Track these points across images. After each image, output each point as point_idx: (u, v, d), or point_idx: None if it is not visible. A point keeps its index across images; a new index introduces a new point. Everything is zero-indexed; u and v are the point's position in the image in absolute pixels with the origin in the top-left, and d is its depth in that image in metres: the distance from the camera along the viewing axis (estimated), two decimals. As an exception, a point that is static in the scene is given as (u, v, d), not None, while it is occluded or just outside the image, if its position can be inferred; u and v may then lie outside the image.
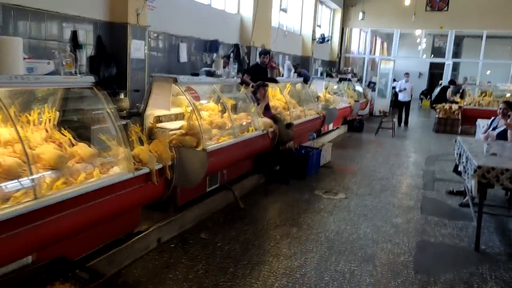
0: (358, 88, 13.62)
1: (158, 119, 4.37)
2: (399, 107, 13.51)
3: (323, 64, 15.59)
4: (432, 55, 24.06)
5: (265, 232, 4.38)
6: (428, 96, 22.11)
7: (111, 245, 3.37)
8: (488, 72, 18.70)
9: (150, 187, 3.23)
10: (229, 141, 4.50)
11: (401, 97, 13.42)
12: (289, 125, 6.36)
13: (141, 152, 3.16)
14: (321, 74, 9.95)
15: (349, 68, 15.44)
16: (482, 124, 7.49)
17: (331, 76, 10.53)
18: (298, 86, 7.90)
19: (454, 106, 12.64)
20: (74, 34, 5.14)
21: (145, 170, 3.14)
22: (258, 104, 6.00)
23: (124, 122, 3.41)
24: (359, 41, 20.22)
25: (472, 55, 21.81)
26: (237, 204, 4.98)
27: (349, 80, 12.68)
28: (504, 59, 21.75)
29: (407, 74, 13.71)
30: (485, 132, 5.84)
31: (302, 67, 13.21)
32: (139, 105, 4.30)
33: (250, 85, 6.23)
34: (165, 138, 3.73)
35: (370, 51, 22.66)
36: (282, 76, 7.82)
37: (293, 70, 7.09)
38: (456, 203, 5.68)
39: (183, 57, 7.18)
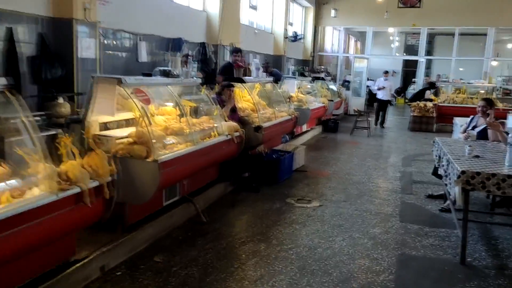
0: (332, 87, 13.31)
1: (105, 126, 3.82)
2: (379, 105, 12.93)
3: (296, 63, 15.22)
4: (405, 54, 24.08)
5: (229, 250, 3.89)
6: (402, 94, 22.09)
7: (43, 278, 2.83)
8: (461, 69, 18.75)
9: (83, 209, 2.70)
10: (187, 149, 3.98)
11: (380, 95, 12.76)
12: (258, 128, 5.89)
13: (70, 168, 2.63)
14: (293, 73, 9.53)
15: (323, 67, 15.13)
16: (460, 122, 7.21)
17: (304, 75, 10.13)
18: (268, 86, 7.44)
19: (429, 104, 12.46)
20: (10, 31, 4.52)
21: (75, 189, 2.61)
22: (224, 106, 5.52)
23: (53, 131, 2.86)
24: (332, 40, 19.97)
25: (444, 53, 21.91)
26: (200, 218, 4.47)
27: (323, 79, 12.33)
28: (476, 56, 21.98)
29: (386, 72, 13.13)
30: (464, 131, 5.51)
31: (275, 66, 12.79)
32: (80, 111, 3.74)
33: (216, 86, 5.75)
34: (105, 149, 3.19)
35: (344, 50, 22.49)
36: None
37: (261, 69, 6.63)
38: (436, 207, 5.33)
39: (143, 57, 6.61)
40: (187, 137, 4.15)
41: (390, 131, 12.31)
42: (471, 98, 12.69)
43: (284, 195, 5.65)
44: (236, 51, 7.26)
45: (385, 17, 14.72)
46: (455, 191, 3.64)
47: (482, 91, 13.04)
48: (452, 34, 24.99)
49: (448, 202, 5.14)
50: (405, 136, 11.41)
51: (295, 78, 9.26)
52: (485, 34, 25.20)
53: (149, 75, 4.12)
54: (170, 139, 3.98)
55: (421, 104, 12.52)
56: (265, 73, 6.88)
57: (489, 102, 5.33)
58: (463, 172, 3.58)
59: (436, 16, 15.26)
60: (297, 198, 5.55)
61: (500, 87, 13.96)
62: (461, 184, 3.57)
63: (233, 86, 5.68)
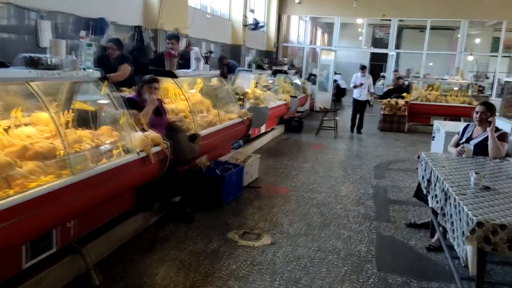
0: (297, 81, 12.03)
1: None
2: (355, 107, 10.62)
3: (258, 55, 13.85)
4: (372, 47, 23.20)
5: None
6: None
7: None
8: (431, 64, 17.94)
9: None
10: (55, 183, 2.54)
11: (357, 94, 10.52)
12: (194, 137, 4.49)
13: None
14: (249, 65, 8.16)
15: (286, 59, 13.83)
16: (441, 127, 6.05)
17: (262, 68, 8.76)
18: (214, 81, 6.03)
19: (401, 102, 11.40)
20: None
21: None
22: (141, 109, 4.08)
23: None
24: (298, 30, 18.73)
25: (411, 47, 21.16)
26: (90, 279, 3.04)
27: (286, 72, 11.01)
28: (444, 51, 21.35)
29: (363, 67, 10.72)
30: (457, 144, 4.31)
31: (233, 57, 11.38)
32: None
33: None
34: None
35: (311, 42, 21.32)
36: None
37: (202, 61, 5.21)
38: (421, 243, 4.11)
39: (46, 41, 5.04)
40: (62, 161, 2.70)
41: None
42: (445, 95, 11.74)
43: (227, 225, 4.30)
44: (170, 37, 5.85)
45: (354, 5, 13.57)
46: (465, 251, 2.39)
47: (456, 88, 12.11)
48: (420, 28, 24.51)
49: (436, 236, 3.94)
50: (375, 138, 10.30)
51: (251, 71, 7.89)
52: (453, 29, 24.87)
53: (3, 65, 2.64)
54: (31, 169, 2.51)
55: (392, 101, 11.45)
56: (207, 65, 5.43)
57: (489, 107, 4.14)
58: (479, 225, 2.33)
59: (407, 7, 14.28)
60: (243, 230, 4.21)
61: (475, 84, 13.14)
62: (476, 242, 2.32)
63: (156, 81, 4.24)
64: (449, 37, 24.71)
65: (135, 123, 3.74)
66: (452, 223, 2.75)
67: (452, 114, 11.15)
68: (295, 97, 10.28)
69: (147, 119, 4.02)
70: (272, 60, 13.78)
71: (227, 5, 11.54)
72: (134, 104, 4.16)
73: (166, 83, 5.01)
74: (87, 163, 2.87)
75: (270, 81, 9.98)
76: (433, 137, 6.12)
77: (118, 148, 3.23)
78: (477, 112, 4.15)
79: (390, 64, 15.00)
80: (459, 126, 6.53)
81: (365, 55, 24.15)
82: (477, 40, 21.04)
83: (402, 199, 5.51)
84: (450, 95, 11.71)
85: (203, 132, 4.72)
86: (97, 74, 3.25)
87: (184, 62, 5.73)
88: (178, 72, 4.68)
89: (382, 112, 11.50)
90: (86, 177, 2.79)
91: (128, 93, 4.73)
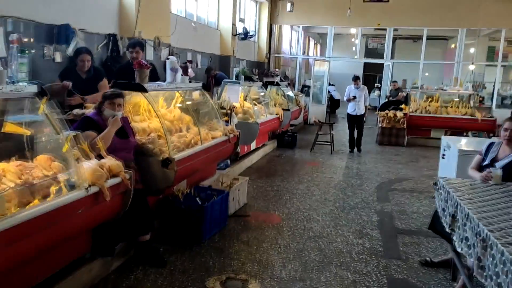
0: (289, 93, 11.37)
1: None
2: (350, 123, 9.47)
3: (249, 66, 13.21)
4: (365, 58, 22.66)
5: None
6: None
7: None
8: (427, 74, 17.40)
9: None
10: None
11: (351, 109, 9.36)
12: (167, 162, 3.77)
13: None
14: (237, 77, 7.48)
15: (278, 70, 13.19)
16: (450, 142, 5.38)
17: (252, 80, 8.08)
18: (196, 95, 5.33)
19: (399, 114, 10.77)
20: None
21: None
22: (102, 130, 3.36)
23: None
24: (290, 41, 18.16)
25: (405, 57, 20.67)
26: None
27: (278, 84, 10.35)
28: (437, 61, 20.92)
29: (356, 78, 9.39)
30: (479, 167, 3.63)
31: (222, 69, 10.73)
32: None
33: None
34: None
35: (304, 53, 20.78)
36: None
37: (180, 71, 4.50)
38: (442, 289, 3.41)
39: (-2, 50, 4.32)
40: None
41: (356, 145, 10.46)
42: (445, 107, 11.13)
43: (206, 269, 3.56)
44: (133, 45, 5.15)
45: (348, 14, 12.99)
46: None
47: (456, 99, 11.52)
48: (413, 38, 24.12)
49: (461, 282, 3.23)
50: (374, 152, 9.62)
51: (239, 83, 7.20)
52: (446, 39, 24.50)
53: None
54: None
55: (390, 114, 10.82)
56: (186, 76, 4.73)
57: (519, 124, 3.47)
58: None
59: (402, 16, 13.74)
60: (226, 275, 3.47)
61: (477, 94, 12.55)
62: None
63: (120, 96, 3.53)
64: (443, 48, 24.36)
65: (90, 148, 3.02)
66: (499, 285, 2.04)
67: (454, 126, 10.54)
68: (288, 110, 9.61)
69: (107, 143, 3.29)
70: (263, 71, 13.14)
71: (215, 14, 10.91)
72: (92, 124, 3.45)
73: (137, 98, 4.31)
74: (9, 207, 2.13)
75: (262, 94, 9.31)
76: (443, 155, 5.44)
77: (58, 184, 2.49)
78: (506, 130, 3.47)
79: (386, 75, 14.40)
80: (472, 142, 5.89)
81: (358, 66, 23.66)
82: (472, 50, 20.64)
83: (411, 227, 4.81)
84: (451, 107, 11.10)
85: (179, 155, 4.00)
86: (32, 88, 2.52)
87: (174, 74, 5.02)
88: (149, 85, 3.97)
89: (380, 125, 10.87)
90: (5, 228, 2.06)
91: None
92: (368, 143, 10.82)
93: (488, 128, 10.38)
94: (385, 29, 14.72)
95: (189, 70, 5.42)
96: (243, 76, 7.46)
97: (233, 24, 11.06)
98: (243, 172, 6.97)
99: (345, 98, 9.59)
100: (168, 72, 4.56)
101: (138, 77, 4.08)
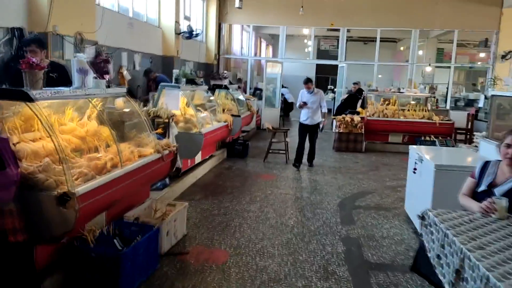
0: (240, 97, 10.45)
1: None
2: (301, 133, 7.87)
3: (196, 68, 12.18)
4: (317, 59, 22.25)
5: None
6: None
7: None
8: (380, 76, 17.15)
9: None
10: None
11: (304, 117, 7.73)
12: (64, 199, 2.72)
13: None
14: (177, 79, 6.45)
15: (226, 72, 12.27)
16: (423, 154, 4.67)
17: (195, 83, 7.08)
18: (120, 103, 4.27)
19: (357, 118, 10.18)
20: None
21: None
22: None
23: None
24: (241, 42, 17.30)
25: (356, 59, 20.47)
26: None
27: (226, 87, 9.41)
28: (387, 62, 20.86)
29: (308, 81, 7.76)
30: (473, 191, 2.88)
31: (165, 71, 9.63)
32: None
33: None
34: None
35: (256, 54, 20.00)
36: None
37: (91, 74, 3.45)
38: None
39: None
40: None
41: (313, 152, 9.68)
42: (402, 110, 10.68)
43: None
44: (28, 42, 4.10)
45: (300, 13, 12.31)
46: None
47: (413, 102, 11.12)
48: (364, 41, 24.06)
49: None
50: (332, 160, 8.92)
51: (178, 87, 6.17)
52: (395, 41, 24.66)
53: None
54: None
55: (348, 118, 10.20)
56: (102, 79, 3.68)
57: (523, 140, 2.74)
58: None
59: (356, 16, 13.28)
60: None
61: (434, 97, 12.23)
62: None
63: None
64: (392, 49, 24.52)
65: None
66: None
67: (413, 131, 10.10)
68: (238, 116, 8.69)
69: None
70: (209, 73, 12.16)
71: (156, 10, 9.80)
72: None
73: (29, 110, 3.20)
74: None
75: (212, 98, 8.33)
76: (415, 169, 4.72)
77: None
78: (508, 146, 2.73)
79: (341, 76, 13.87)
80: (447, 154, 5.23)
81: (311, 68, 23.24)
82: (420, 52, 20.78)
83: (384, 259, 4.02)
84: (408, 110, 10.67)
85: (85, 187, 2.94)
86: None
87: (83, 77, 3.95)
88: (40, 92, 2.89)
89: (337, 130, 10.22)
90: None
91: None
92: (325, 149, 10.15)
93: (446, 132, 10.02)
94: (337, 30, 14.22)
95: (110, 71, 4.36)
96: (184, 79, 6.42)
97: (177, 22, 9.99)
98: (186, 191, 5.98)
99: (297, 105, 8.05)
100: (75, 74, 3.48)
101: (27, 81, 2.99)
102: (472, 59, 17.85)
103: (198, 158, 6.85)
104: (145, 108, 5.61)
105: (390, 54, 23.69)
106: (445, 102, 13.43)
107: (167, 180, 5.48)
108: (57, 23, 5.49)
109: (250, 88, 14.63)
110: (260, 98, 13.45)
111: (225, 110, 8.61)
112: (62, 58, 5.63)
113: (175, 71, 6.56)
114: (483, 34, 13.55)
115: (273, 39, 23.93)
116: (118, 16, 7.83)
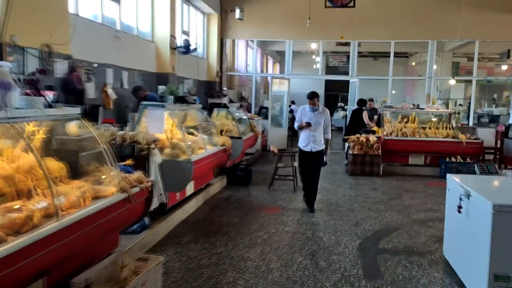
0: (243, 117, 9.47)
1: None
2: (301, 163, 6.17)
3: (196, 86, 11.27)
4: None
5: None
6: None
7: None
8: (394, 92, 16.14)
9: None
10: None
11: (303, 142, 6.08)
12: None
13: None
14: (162, 98, 5.48)
15: (226, 89, 11.34)
16: (470, 188, 3.58)
17: (185, 101, 6.10)
18: (73, 128, 3.28)
19: (372, 138, 9.11)
20: None
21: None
22: None
23: None
24: (246, 59, 16.45)
25: (366, 76, 19.52)
26: None
27: (226, 106, 8.45)
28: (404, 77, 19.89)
29: (314, 95, 5.97)
30: None
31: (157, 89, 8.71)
32: None
33: None
34: None
35: (262, 71, 19.15)
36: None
37: (16, 89, 2.48)
38: None
39: None
40: None
41: (324, 177, 8.51)
42: (423, 128, 9.60)
43: None
44: None
45: (308, 25, 11.40)
46: None
47: (434, 119, 10.03)
48: (374, 56, 23.14)
49: None
50: (346, 187, 7.84)
51: (163, 107, 5.18)
52: (407, 56, 23.71)
53: None
54: None
55: (362, 138, 9.14)
56: (40, 97, 2.72)
57: None
58: None
59: (367, 27, 12.34)
60: None
61: (458, 113, 11.14)
62: None
63: None
64: (404, 64, 23.60)
65: None
66: None
67: (436, 151, 9.03)
68: (240, 138, 7.70)
69: None
70: (206, 90, 11.24)
71: (148, 22, 8.96)
72: None
73: None
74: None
75: (209, 119, 7.36)
76: (459, 207, 3.62)
77: None
78: None
79: (353, 93, 12.86)
80: (498, 186, 4.11)
81: (320, 84, 22.32)
82: (435, 66, 19.79)
83: None
84: (430, 128, 9.59)
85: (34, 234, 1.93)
86: None
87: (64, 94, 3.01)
88: None
89: (351, 152, 9.15)
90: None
91: None
92: (338, 173, 9.08)
93: (474, 152, 8.92)
94: (347, 44, 13.30)
95: (86, 88, 3.40)
96: (171, 97, 5.45)
97: (172, 35, 9.12)
98: (172, 232, 4.94)
99: (295, 125, 6.28)
100: (12, 91, 2.53)
101: None
102: (490, 72, 16.77)
103: (190, 189, 5.83)
104: (121, 132, 4.65)
105: (402, 70, 22.76)
106: (467, 118, 12.31)
107: (146, 220, 4.46)
108: (15, 32, 4.58)
109: (255, 107, 13.69)
110: (266, 117, 12.48)
111: (224, 132, 7.63)
112: (23, 73, 4.71)
113: (161, 88, 5.59)
114: (505, 45, 12.49)
115: (279, 56, 23.12)
116: (101, 27, 6.95)
